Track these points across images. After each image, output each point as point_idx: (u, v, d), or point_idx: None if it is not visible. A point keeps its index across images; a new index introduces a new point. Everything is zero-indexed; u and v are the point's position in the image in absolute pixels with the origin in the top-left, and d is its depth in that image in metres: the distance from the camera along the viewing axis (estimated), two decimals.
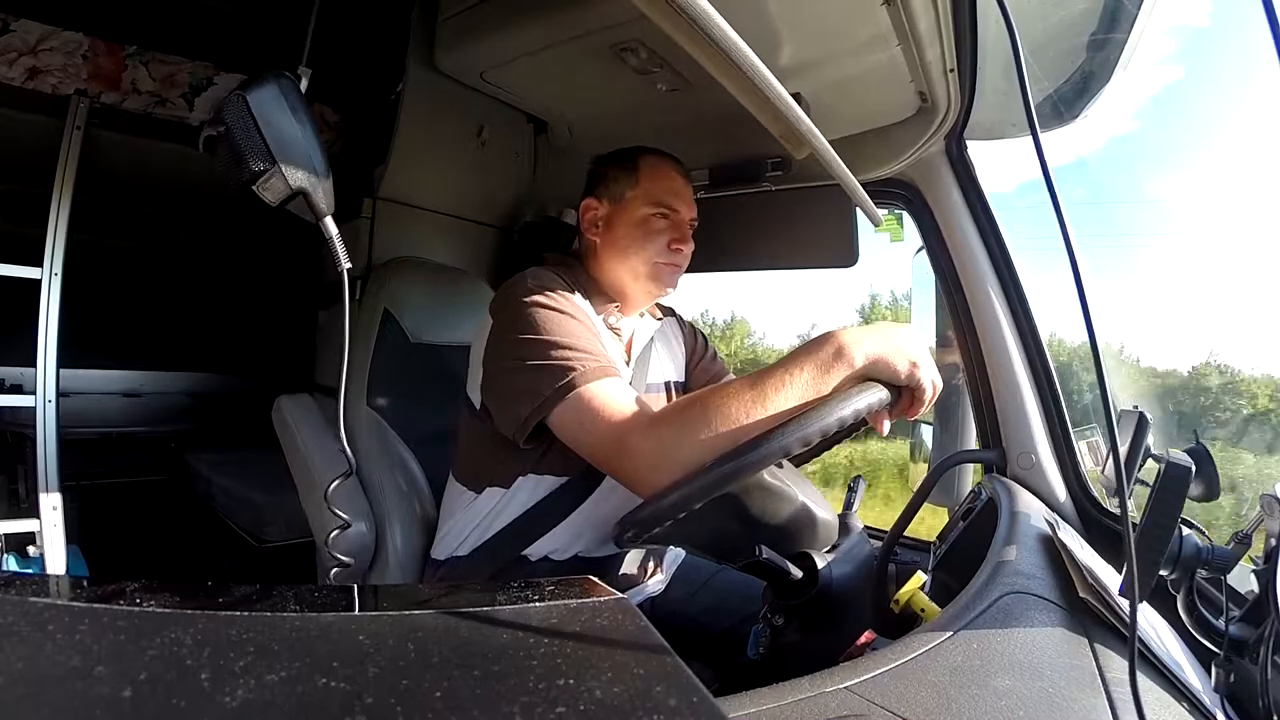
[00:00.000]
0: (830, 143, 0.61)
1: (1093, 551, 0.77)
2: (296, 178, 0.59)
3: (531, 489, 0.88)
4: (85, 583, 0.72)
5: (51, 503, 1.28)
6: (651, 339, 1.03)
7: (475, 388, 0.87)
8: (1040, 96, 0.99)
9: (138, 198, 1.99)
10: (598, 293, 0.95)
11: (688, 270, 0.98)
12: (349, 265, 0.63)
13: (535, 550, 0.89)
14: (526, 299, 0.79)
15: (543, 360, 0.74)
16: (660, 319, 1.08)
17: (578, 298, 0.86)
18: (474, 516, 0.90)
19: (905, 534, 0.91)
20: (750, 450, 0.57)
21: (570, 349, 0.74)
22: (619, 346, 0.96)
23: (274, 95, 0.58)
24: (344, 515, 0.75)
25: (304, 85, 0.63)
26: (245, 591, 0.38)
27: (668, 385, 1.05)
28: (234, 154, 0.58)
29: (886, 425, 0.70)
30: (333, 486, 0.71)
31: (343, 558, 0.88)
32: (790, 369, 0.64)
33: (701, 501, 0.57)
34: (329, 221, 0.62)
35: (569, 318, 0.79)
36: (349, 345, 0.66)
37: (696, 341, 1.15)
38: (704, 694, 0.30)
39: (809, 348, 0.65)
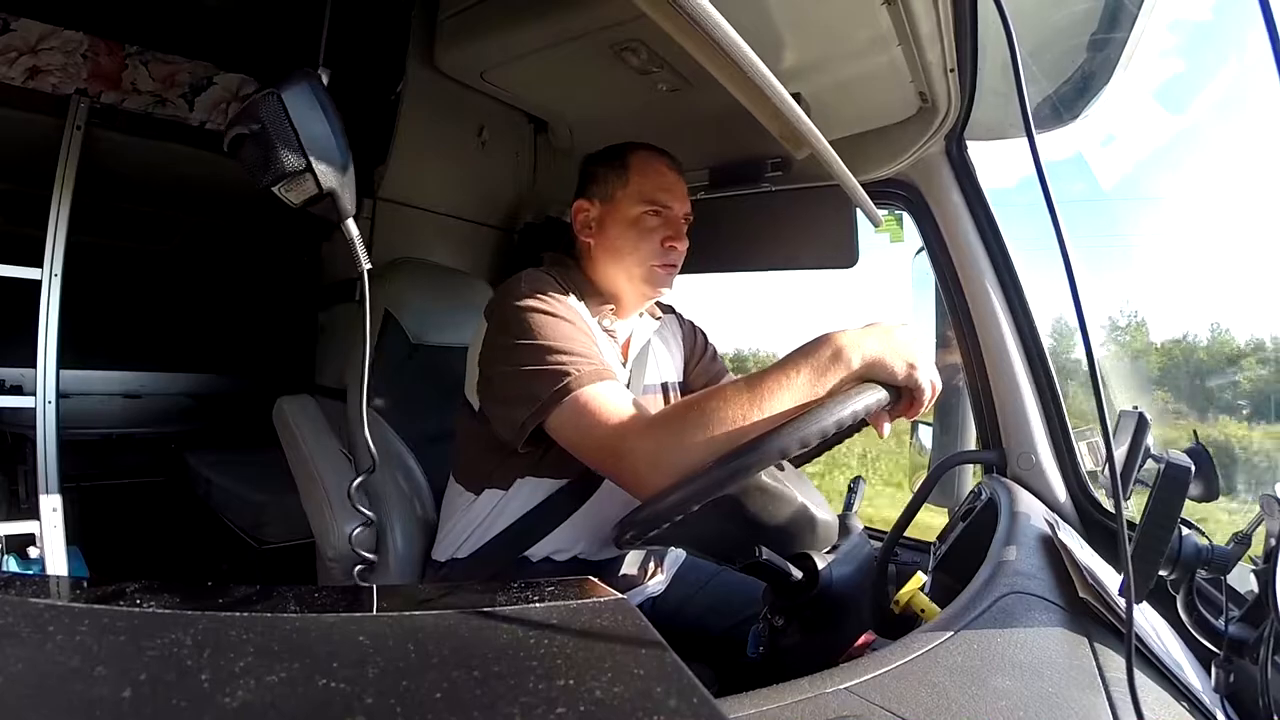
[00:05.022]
0: (830, 143, 0.61)
1: (1092, 552, 0.77)
2: (328, 178, 0.59)
3: (530, 491, 0.88)
4: (85, 584, 0.72)
5: (52, 504, 1.28)
6: (649, 340, 1.02)
7: (473, 390, 0.87)
8: (1040, 97, 0.99)
9: (138, 198, 1.98)
10: (593, 294, 0.94)
11: (688, 271, 0.97)
12: (369, 266, 0.63)
13: (535, 552, 0.89)
14: (519, 303, 0.79)
15: (538, 365, 0.74)
16: (659, 318, 1.07)
17: (572, 300, 0.85)
18: (473, 518, 0.90)
19: (905, 534, 0.91)
20: (747, 453, 0.57)
21: (565, 353, 0.74)
22: (615, 349, 0.95)
23: (306, 93, 0.57)
24: (368, 513, 0.76)
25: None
26: (245, 592, 0.38)
27: (665, 386, 1.04)
28: (267, 152, 0.57)
29: (887, 427, 0.69)
30: (356, 483, 0.72)
31: (366, 554, 0.90)
32: (787, 371, 0.63)
33: (700, 503, 0.57)
34: (351, 224, 0.62)
35: (563, 321, 0.79)
36: (367, 345, 0.65)
37: (696, 340, 1.14)
38: (704, 694, 0.30)
39: (806, 350, 0.65)
